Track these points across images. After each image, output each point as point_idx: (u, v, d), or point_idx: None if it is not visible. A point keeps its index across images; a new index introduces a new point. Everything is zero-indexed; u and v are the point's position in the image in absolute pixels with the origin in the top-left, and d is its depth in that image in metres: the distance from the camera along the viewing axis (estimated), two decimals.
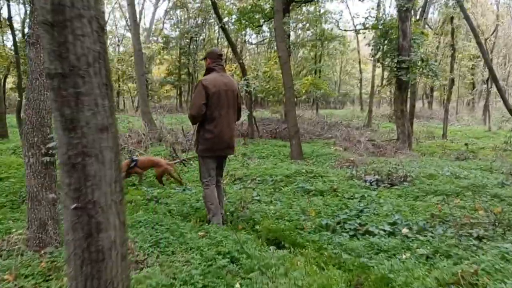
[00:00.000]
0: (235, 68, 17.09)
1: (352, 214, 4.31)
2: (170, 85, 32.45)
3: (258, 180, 6.38)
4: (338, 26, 19.20)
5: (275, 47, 17.15)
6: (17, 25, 17.44)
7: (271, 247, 3.51)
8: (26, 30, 13.90)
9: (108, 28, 29.07)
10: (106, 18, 29.27)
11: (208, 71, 4.19)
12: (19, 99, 11.55)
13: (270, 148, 10.27)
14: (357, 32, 14.89)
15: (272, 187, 5.88)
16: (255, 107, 22.23)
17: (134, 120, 15.93)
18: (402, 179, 6.20)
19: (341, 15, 43.39)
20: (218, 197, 4.38)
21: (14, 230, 3.56)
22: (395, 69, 10.99)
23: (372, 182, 6.15)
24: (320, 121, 19.44)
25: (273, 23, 12.44)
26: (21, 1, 12.63)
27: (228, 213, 4.53)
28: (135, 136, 10.01)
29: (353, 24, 32.92)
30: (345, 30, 21.69)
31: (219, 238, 3.47)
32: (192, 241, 3.40)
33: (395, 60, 10.94)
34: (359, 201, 4.96)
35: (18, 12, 61.60)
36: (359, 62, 31.44)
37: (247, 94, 12.80)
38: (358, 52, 30.33)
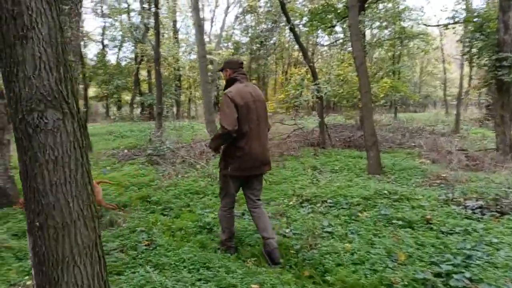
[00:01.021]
0: (306, 72, 16.18)
1: (457, 263, 3.21)
2: None
3: (330, 202, 5.42)
4: (422, 22, 17.44)
5: (349, 48, 15.96)
6: None
7: None
8: None
9: (180, 36, 29.69)
10: (178, 26, 29.95)
11: (230, 82, 3.68)
12: None
13: (344, 159, 9.18)
14: (445, 27, 13.18)
15: (347, 213, 4.88)
16: (327, 111, 21.10)
17: (203, 128, 15.71)
18: None
19: (423, 11, 40.46)
20: (261, 223, 3.66)
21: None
22: (493, 68, 9.38)
23: (475, 209, 4.92)
24: (399, 126, 17.80)
25: (347, 21, 11.38)
26: None
27: (292, 251, 3.67)
28: (197, 147, 9.48)
29: (437, 20, 30.26)
30: (429, 26, 19.75)
31: None
32: None
33: (494, 58, 9.34)
34: (463, 239, 3.82)
35: None
36: (443, 61, 28.77)
37: (318, 99, 11.82)
38: (442, 50, 27.71)
